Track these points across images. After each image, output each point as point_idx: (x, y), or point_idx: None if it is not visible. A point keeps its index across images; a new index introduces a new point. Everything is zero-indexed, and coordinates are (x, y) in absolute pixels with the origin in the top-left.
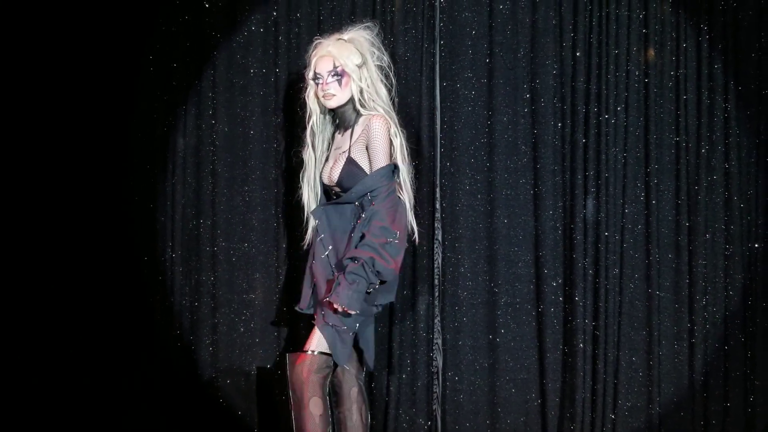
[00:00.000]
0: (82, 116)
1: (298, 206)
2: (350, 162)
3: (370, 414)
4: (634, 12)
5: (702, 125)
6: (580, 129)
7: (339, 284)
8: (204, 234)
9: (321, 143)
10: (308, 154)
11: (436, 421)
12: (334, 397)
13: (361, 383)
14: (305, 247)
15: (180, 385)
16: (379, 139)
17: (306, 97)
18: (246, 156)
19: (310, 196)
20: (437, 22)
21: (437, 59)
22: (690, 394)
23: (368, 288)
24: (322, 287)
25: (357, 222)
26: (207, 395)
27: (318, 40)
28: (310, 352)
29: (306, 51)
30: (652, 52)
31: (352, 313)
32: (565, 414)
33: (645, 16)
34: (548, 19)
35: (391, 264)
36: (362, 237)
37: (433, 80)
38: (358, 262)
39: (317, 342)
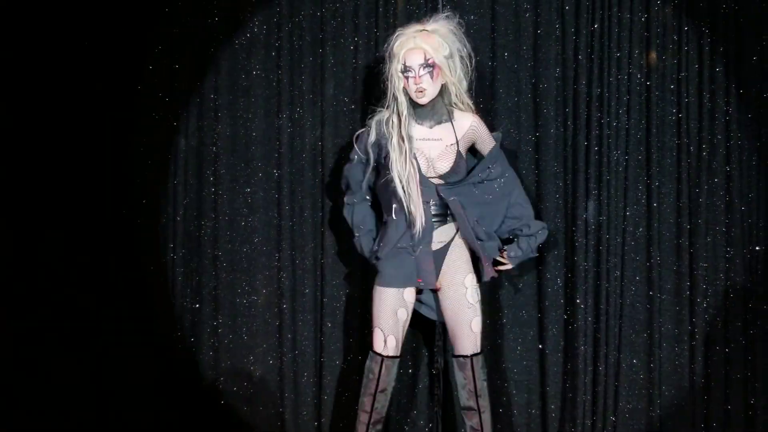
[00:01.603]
0: (83, 118)
1: (300, 209)
2: (461, 157)
3: None
4: (636, 15)
5: (703, 128)
6: (581, 132)
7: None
8: (205, 236)
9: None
10: (398, 144)
11: (437, 423)
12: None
13: None
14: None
15: (181, 387)
16: (486, 131)
17: (396, 91)
18: (248, 158)
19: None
20: None
21: None
22: (691, 396)
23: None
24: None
25: (483, 192)
26: (208, 397)
27: (400, 32)
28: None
29: (308, 53)
30: (653, 55)
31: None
32: (566, 416)
33: (647, 19)
34: (550, 22)
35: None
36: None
37: None
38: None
39: (390, 330)
